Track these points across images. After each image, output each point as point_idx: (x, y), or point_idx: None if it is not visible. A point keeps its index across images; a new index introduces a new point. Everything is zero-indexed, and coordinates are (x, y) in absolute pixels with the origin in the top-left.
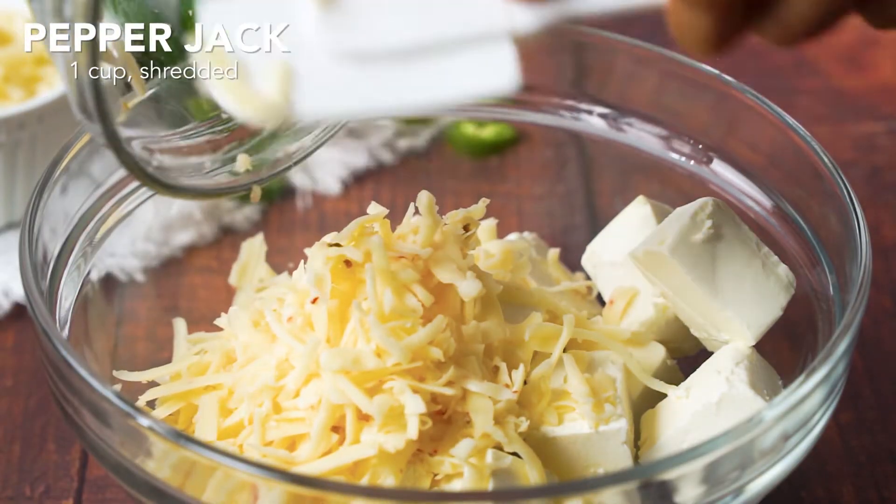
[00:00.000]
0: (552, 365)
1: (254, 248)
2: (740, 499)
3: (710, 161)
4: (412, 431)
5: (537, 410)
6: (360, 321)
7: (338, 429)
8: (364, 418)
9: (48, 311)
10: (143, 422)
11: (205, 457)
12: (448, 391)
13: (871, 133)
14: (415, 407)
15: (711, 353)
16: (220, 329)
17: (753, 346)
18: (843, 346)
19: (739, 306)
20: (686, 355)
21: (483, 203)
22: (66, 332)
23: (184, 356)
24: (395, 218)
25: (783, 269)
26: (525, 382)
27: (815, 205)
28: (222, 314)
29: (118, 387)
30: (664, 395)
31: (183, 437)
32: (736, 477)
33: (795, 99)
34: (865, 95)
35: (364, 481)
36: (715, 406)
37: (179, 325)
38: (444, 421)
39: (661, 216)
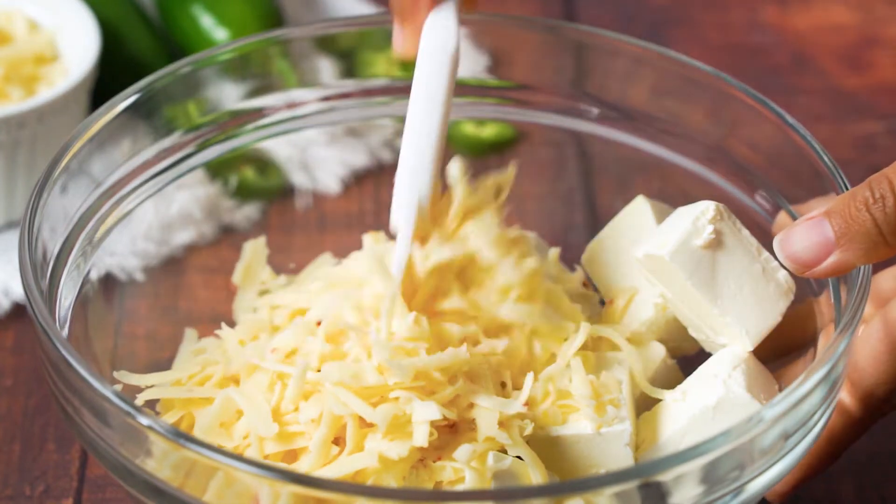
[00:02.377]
0: (561, 368)
1: (257, 248)
2: (740, 498)
3: (709, 161)
4: (421, 439)
5: (542, 410)
6: (360, 342)
7: (338, 440)
8: (367, 426)
9: (48, 310)
10: (143, 421)
11: (205, 456)
12: (451, 415)
13: (871, 133)
14: (424, 414)
15: (711, 353)
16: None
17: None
18: (842, 346)
19: (738, 312)
20: (686, 354)
21: (512, 168)
22: (65, 332)
23: (186, 365)
24: None
25: (783, 274)
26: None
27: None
28: (223, 325)
29: (119, 387)
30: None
31: (183, 437)
32: (736, 476)
33: (795, 98)
34: (865, 95)
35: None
36: (712, 410)
37: (190, 334)
38: (451, 432)
39: (661, 216)
